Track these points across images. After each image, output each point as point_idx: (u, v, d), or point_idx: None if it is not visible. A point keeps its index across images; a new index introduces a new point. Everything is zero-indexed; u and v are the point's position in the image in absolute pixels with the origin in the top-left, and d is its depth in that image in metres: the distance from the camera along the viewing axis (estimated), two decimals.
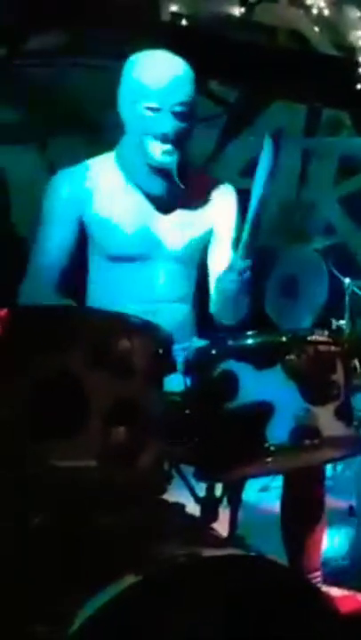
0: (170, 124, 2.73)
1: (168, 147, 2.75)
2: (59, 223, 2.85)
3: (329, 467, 4.15)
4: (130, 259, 2.83)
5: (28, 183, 4.49)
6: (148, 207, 2.85)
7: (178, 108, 2.73)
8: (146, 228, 2.84)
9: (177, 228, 2.87)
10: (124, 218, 2.83)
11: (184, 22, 4.70)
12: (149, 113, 2.74)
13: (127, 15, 4.62)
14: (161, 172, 2.78)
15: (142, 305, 2.62)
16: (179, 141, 2.75)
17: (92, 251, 2.88)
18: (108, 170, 2.87)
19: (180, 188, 2.79)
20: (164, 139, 2.74)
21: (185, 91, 2.74)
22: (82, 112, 4.61)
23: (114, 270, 2.84)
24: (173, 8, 4.69)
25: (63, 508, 1.97)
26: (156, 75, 2.75)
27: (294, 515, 2.83)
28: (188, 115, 2.74)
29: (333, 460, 3.10)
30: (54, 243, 2.84)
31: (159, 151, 2.76)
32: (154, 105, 2.73)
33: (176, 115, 2.73)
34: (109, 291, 2.82)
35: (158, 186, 2.81)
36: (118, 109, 2.86)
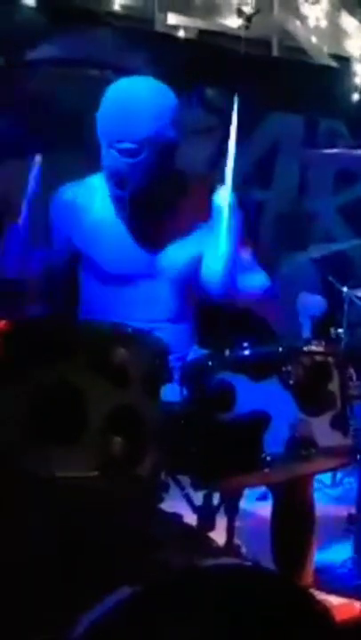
0: (112, 160, 2.75)
1: (115, 180, 2.78)
2: (53, 238, 2.90)
3: (328, 475, 4.17)
4: (124, 279, 2.84)
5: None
6: (138, 230, 2.87)
7: (120, 145, 2.73)
8: (138, 246, 2.85)
9: (173, 248, 2.88)
10: (116, 237, 2.86)
11: (181, 34, 4.73)
12: (102, 148, 2.78)
13: (124, 26, 4.65)
14: (118, 202, 2.82)
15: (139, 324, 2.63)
16: (128, 176, 2.75)
17: (84, 270, 2.90)
18: (103, 187, 2.89)
19: (152, 214, 2.81)
20: (107, 172, 2.79)
21: (131, 127, 2.72)
22: (82, 124, 4.62)
23: (108, 291, 2.85)
24: (171, 20, 4.72)
25: (62, 517, 1.98)
26: (107, 111, 2.78)
27: (285, 525, 2.80)
28: (135, 151, 2.72)
29: (329, 470, 3.11)
30: (49, 257, 2.88)
31: (110, 183, 2.81)
32: (100, 139, 2.78)
33: (121, 152, 2.73)
34: (104, 312, 2.81)
35: (123, 214, 2.85)
36: None
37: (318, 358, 2.31)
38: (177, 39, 4.76)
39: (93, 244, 2.85)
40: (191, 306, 2.93)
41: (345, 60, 5.37)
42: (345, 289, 4.55)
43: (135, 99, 2.75)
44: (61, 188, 2.95)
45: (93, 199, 2.89)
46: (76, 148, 4.35)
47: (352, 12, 5.40)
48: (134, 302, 2.82)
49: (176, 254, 2.86)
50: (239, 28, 4.81)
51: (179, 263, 2.86)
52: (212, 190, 3.00)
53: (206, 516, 2.34)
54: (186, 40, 4.78)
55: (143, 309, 2.82)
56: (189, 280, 2.90)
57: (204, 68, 4.65)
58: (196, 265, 2.90)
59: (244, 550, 2.37)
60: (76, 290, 2.93)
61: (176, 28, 4.75)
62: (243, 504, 2.47)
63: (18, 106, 4.62)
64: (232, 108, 2.87)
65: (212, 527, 2.34)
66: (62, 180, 3.00)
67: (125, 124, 2.73)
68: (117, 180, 2.76)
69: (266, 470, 2.22)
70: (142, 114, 2.73)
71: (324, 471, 2.77)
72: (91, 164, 2.98)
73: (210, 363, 2.26)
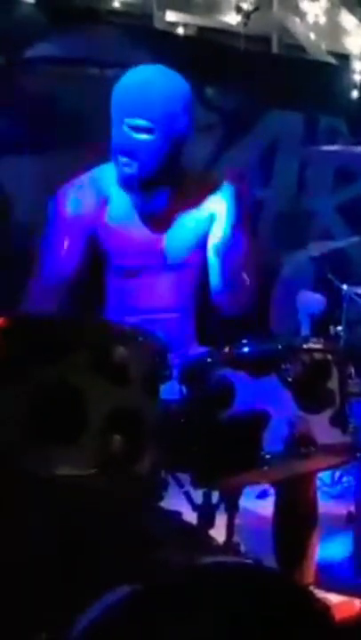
0: (123, 137, 2.77)
1: (124, 159, 2.79)
2: (68, 237, 2.89)
3: (328, 473, 4.17)
4: (134, 270, 2.86)
5: (27, 195, 4.50)
6: (145, 216, 2.88)
7: (134, 122, 2.75)
8: (147, 236, 2.87)
9: (176, 236, 2.89)
10: (128, 228, 2.87)
11: (181, 31, 4.73)
12: (113, 126, 2.80)
13: (123, 23, 4.66)
14: (125, 184, 2.83)
15: (141, 315, 2.64)
16: (137, 154, 2.77)
17: (106, 264, 2.93)
18: (112, 179, 2.90)
19: (159, 197, 2.83)
20: (117, 150, 2.80)
21: (146, 105, 2.76)
22: (82, 123, 4.62)
23: (119, 283, 2.88)
24: (170, 17, 4.73)
25: (62, 517, 1.98)
26: (123, 89, 2.81)
27: (288, 523, 2.81)
28: (148, 129, 2.75)
29: (329, 468, 3.11)
30: (65, 257, 2.88)
31: (119, 163, 2.81)
32: (112, 117, 2.79)
33: (133, 128, 2.76)
34: (115, 303, 2.86)
35: (133, 196, 2.86)
36: None
37: (318, 356, 2.31)
38: (176, 36, 4.77)
39: (113, 237, 2.87)
40: (193, 302, 2.94)
41: (344, 58, 5.38)
42: (344, 287, 4.55)
43: (152, 81, 2.80)
44: (69, 184, 2.95)
45: (109, 188, 2.90)
46: (76, 147, 4.36)
47: (351, 10, 5.41)
48: (141, 294, 2.85)
49: (180, 243, 2.88)
50: (238, 24, 4.83)
51: (182, 252, 2.88)
52: (211, 182, 3.01)
53: (206, 513, 2.35)
54: (185, 37, 4.79)
55: (149, 301, 2.84)
56: (193, 271, 2.91)
57: (204, 65, 4.65)
58: (200, 255, 2.91)
59: (243, 548, 2.37)
60: (93, 286, 2.94)
61: (175, 25, 4.76)
62: (242, 502, 2.47)
63: (18, 105, 4.63)
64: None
65: (211, 525, 2.34)
66: (62, 179, 3.00)
67: (140, 101, 2.77)
68: (127, 159, 2.78)
69: (265, 468, 2.22)
70: (158, 94, 2.77)
71: (324, 469, 2.76)
72: (91, 162, 2.98)
73: (209, 359, 2.26)
